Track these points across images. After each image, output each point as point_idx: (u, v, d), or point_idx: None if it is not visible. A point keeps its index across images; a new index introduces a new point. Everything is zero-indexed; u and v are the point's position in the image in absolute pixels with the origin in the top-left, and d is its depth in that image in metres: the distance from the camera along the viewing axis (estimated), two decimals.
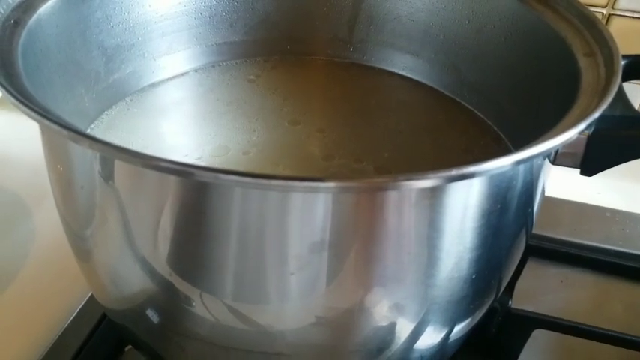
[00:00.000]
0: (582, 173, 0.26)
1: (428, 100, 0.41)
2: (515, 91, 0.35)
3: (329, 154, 0.37)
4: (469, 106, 0.39)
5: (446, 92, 0.41)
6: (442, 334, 0.29)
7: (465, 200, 0.24)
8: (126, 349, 0.37)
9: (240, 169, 0.34)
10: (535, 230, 0.45)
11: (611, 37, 0.27)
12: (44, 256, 0.44)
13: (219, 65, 0.43)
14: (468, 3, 0.37)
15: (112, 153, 0.19)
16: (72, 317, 0.38)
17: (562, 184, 0.44)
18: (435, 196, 0.23)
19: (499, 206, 0.25)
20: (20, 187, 0.50)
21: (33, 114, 0.20)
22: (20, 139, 0.55)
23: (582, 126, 0.22)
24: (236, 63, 0.43)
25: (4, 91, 0.21)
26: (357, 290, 0.23)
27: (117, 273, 0.27)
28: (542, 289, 0.44)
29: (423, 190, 0.22)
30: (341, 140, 0.38)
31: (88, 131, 0.35)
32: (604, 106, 0.23)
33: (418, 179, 0.20)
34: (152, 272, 0.25)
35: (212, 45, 0.42)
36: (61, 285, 0.41)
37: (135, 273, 0.25)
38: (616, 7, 0.50)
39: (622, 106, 0.26)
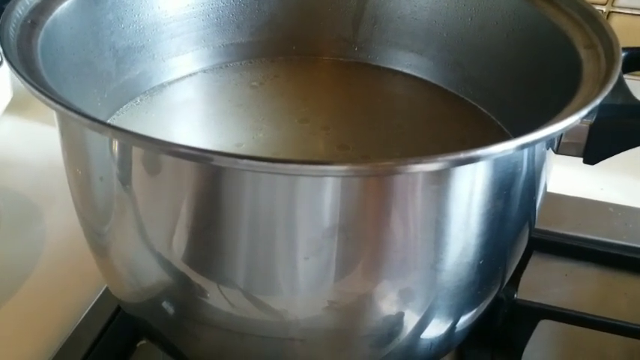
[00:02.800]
0: (585, 161, 0.27)
1: (432, 98, 0.42)
2: (518, 86, 0.36)
3: (336, 151, 0.38)
4: (473, 102, 0.40)
5: (450, 89, 0.42)
6: (450, 322, 0.30)
7: (471, 185, 0.25)
8: (138, 344, 0.38)
9: None
10: (539, 225, 0.46)
11: (611, 29, 0.28)
12: (56, 255, 0.45)
13: (227, 66, 0.43)
14: (471, 1, 0.38)
15: (133, 140, 0.20)
16: (85, 313, 0.38)
17: (565, 180, 0.44)
18: (441, 180, 0.23)
19: (504, 192, 0.26)
20: (30, 190, 0.51)
21: (58, 106, 0.21)
22: (28, 142, 0.56)
23: (584, 112, 0.23)
24: (243, 64, 0.44)
25: (28, 85, 0.22)
26: (367, 274, 0.24)
27: (134, 266, 0.27)
28: (546, 283, 0.44)
29: (430, 174, 0.23)
30: (347, 137, 0.39)
31: None
32: (605, 94, 0.24)
33: (426, 162, 0.21)
34: (169, 264, 0.25)
35: (219, 46, 0.43)
36: (73, 282, 0.42)
37: (152, 265, 0.26)
38: (615, 4, 0.51)
39: (623, 96, 0.26)
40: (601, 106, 0.25)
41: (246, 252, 0.23)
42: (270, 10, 0.43)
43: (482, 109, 0.40)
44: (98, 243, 0.28)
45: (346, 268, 0.23)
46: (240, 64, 0.44)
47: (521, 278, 0.42)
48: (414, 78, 0.43)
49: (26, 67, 0.24)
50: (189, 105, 0.41)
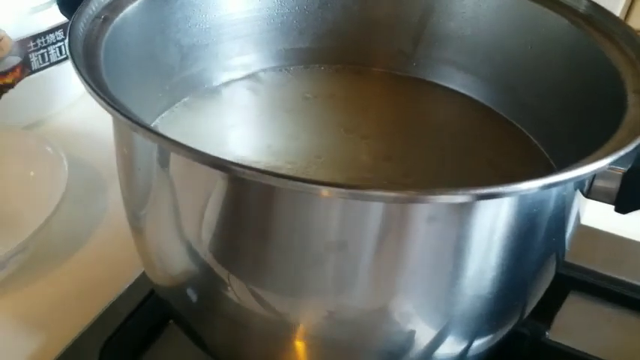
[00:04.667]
0: (617, 210, 0.26)
1: (482, 119, 0.42)
2: (569, 118, 0.35)
3: (379, 163, 0.39)
4: (522, 129, 0.39)
5: (501, 113, 0.41)
6: (460, 349, 0.30)
7: (491, 219, 0.25)
8: (170, 321, 0.40)
9: (286, 169, 0.37)
10: (584, 264, 0.44)
11: None
12: (112, 229, 0.48)
13: (286, 69, 0.45)
14: (531, 29, 0.37)
15: (164, 144, 0.22)
16: (127, 287, 0.41)
17: (622, 220, 0.42)
18: (462, 212, 0.24)
19: (526, 228, 0.26)
20: (100, 163, 0.54)
21: (102, 102, 0.23)
22: (107, 117, 0.61)
23: (609, 159, 0.22)
24: (300, 68, 0.46)
25: (81, 79, 0.24)
26: (374, 294, 0.25)
27: (163, 252, 0.30)
28: (585, 326, 0.42)
29: (452, 206, 0.23)
30: (391, 150, 0.40)
31: (158, 120, 0.39)
32: (634, 145, 0.23)
33: (449, 194, 0.21)
34: (192, 255, 0.27)
35: (280, 50, 0.45)
36: (122, 256, 0.45)
37: (178, 254, 0.28)
38: None
39: None
40: (638, 155, 0.25)
41: (260, 255, 0.25)
42: (334, 18, 0.44)
43: (530, 136, 0.39)
44: (135, 224, 0.31)
45: (349, 282, 0.24)
46: (299, 68, 0.46)
47: (557, 317, 0.41)
48: (467, 98, 0.43)
49: (87, 63, 0.26)
50: (245, 105, 0.43)
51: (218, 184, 0.23)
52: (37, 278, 0.43)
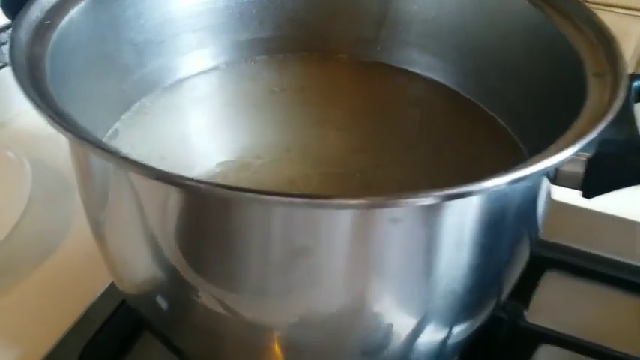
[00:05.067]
0: (583, 195, 0.26)
1: (450, 103, 0.41)
2: (533, 100, 0.35)
3: (350, 156, 0.38)
4: (488, 110, 0.39)
5: (468, 96, 0.41)
6: (439, 339, 0.30)
7: (459, 216, 0.24)
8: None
9: (256, 167, 0.36)
10: (558, 240, 0.45)
11: (622, 59, 0.26)
12: (82, 232, 0.47)
13: (247, 60, 0.44)
14: (493, 10, 0.37)
15: (112, 161, 0.21)
16: (100, 293, 0.41)
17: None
18: (429, 212, 0.23)
19: (495, 221, 0.26)
20: (64, 167, 0.53)
21: (47, 117, 0.22)
22: None
23: (574, 149, 0.22)
24: (264, 59, 0.44)
25: (24, 92, 0.23)
26: (344, 296, 0.24)
27: (127, 260, 0.29)
28: (561, 303, 0.43)
29: (418, 207, 0.23)
30: (362, 141, 0.39)
31: (118, 123, 0.38)
32: (598, 130, 0.23)
33: (420, 197, 0.21)
34: (157, 264, 0.27)
35: (241, 41, 0.43)
36: (94, 261, 0.44)
37: (142, 263, 0.28)
38: None
39: (628, 131, 0.25)
40: (602, 140, 0.24)
41: (223, 263, 0.24)
42: (294, 7, 0.43)
43: (496, 117, 0.39)
44: (96, 231, 0.30)
45: (317, 287, 0.24)
46: (262, 58, 0.44)
47: (535, 298, 0.42)
48: (434, 82, 0.42)
49: (31, 75, 0.25)
50: (207, 99, 0.42)
51: (173, 197, 0.23)
52: (6, 290, 0.42)
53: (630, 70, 0.51)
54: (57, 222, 0.48)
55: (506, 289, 0.32)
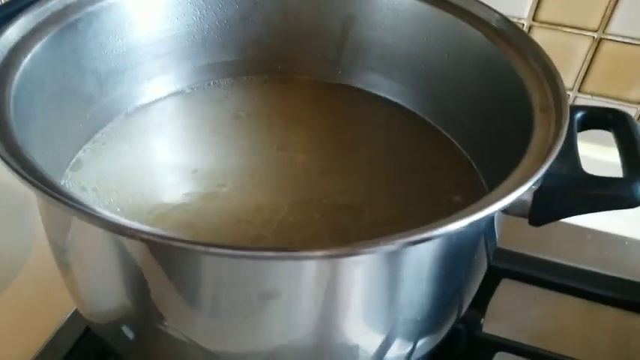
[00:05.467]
0: (530, 223, 0.28)
1: (408, 125, 0.43)
2: (486, 124, 0.37)
3: (316, 180, 0.39)
4: (445, 133, 0.41)
5: (426, 118, 0.42)
6: (404, 355, 0.31)
7: (419, 255, 0.26)
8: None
9: (223, 195, 0.37)
10: (512, 248, 0.47)
11: (566, 98, 0.28)
12: (43, 259, 0.46)
13: (210, 84, 0.45)
14: (447, 39, 0.38)
15: (70, 212, 0.21)
16: (64, 320, 0.40)
17: None
18: (390, 255, 0.24)
19: (453, 254, 0.27)
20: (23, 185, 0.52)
21: (14, 173, 0.22)
22: None
23: (519, 192, 0.24)
24: (227, 81, 0.45)
25: None
26: (313, 332, 0.26)
27: (91, 290, 0.29)
28: (515, 309, 0.45)
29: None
30: (324, 166, 0.40)
31: (80, 152, 0.38)
32: (544, 169, 0.25)
33: (383, 244, 0.22)
34: (121, 298, 0.27)
35: (204, 65, 0.44)
36: (56, 287, 0.44)
37: (107, 297, 0.28)
38: (607, 31, 0.51)
39: (570, 165, 0.27)
40: (547, 174, 0.26)
41: (187, 307, 0.25)
42: (256, 30, 0.44)
43: (452, 140, 0.40)
44: (59, 257, 0.30)
45: (287, 326, 0.25)
46: (225, 81, 0.45)
47: (491, 305, 0.44)
48: (394, 104, 0.44)
49: None
50: (170, 124, 0.42)
51: (135, 248, 0.23)
52: None
53: (577, 85, 0.54)
54: (17, 245, 0.47)
55: (466, 305, 0.34)
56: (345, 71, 0.45)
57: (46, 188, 0.22)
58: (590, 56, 0.52)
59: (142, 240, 0.20)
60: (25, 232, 0.48)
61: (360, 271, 0.24)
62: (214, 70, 0.44)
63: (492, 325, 0.42)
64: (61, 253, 0.29)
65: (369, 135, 0.43)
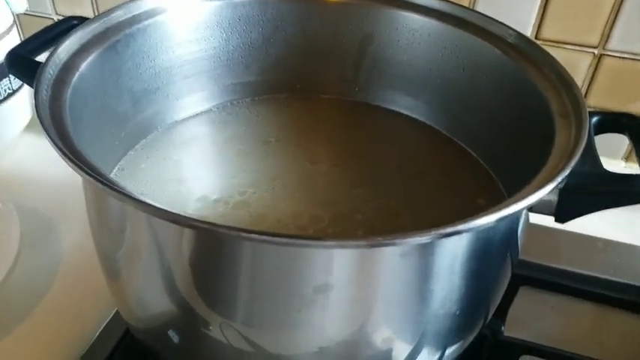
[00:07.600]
0: (557, 220, 0.30)
1: (427, 139, 0.45)
2: (503, 136, 0.39)
3: (348, 191, 0.40)
4: (464, 146, 0.43)
5: (443, 131, 0.44)
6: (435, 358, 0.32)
7: (453, 249, 0.27)
8: None
9: (254, 206, 0.38)
10: (529, 258, 0.48)
11: (584, 103, 0.30)
12: (72, 273, 0.47)
13: (234, 103, 0.47)
14: (462, 54, 0.41)
15: (144, 210, 0.23)
16: (99, 331, 0.41)
17: None
18: (427, 247, 0.26)
19: (484, 251, 0.29)
20: (47, 207, 0.53)
21: (82, 173, 0.24)
22: (46, 160, 0.58)
23: (548, 188, 0.25)
24: (249, 101, 0.47)
25: (57, 149, 0.25)
26: (355, 327, 0.27)
27: (143, 295, 0.30)
28: (533, 316, 0.46)
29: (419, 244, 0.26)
30: (356, 177, 0.41)
31: (116, 169, 0.39)
32: (569, 168, 0.26)
33: (418, 235, 0.23)
34: (176, 302, 0.28)
35: (228, 85, 0.46)
36: (88, 300, 0.45)
37: (158, 299, 0.29)
38: (607, 47, 0.53)
39: (591, 163, 0.29)
40: (571, 173, 0.28)
41: (243, 301, 0.26)
42: (277, 52, 0.46)
43: (470, 151, 0.42)
44: (109, 266, 0.31)
45: (337, 319, 0.26)
46: (248, 100, 0.47)
47: (510, 312, 0.45)
48: (411, 119, 0.46)
49: (56, 128, 0.27)
50: (199, 141, 0.44)
51: (191, 239, 0.25)
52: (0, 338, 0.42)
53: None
54: (46, 266, 0.48)
55: (493, 308, 0.36)
56: (362, 89, 0.47)
57: (118, 188, 0.23)
58: (592, 71, 0.55)
59: (206, 231, 0.22)
60: (50, 256, 0.49)
61: (400, 261, 0.25)
62: (237, 90, 0.47)
63: (512, 331, 0.44)
64: (111, 262, 0.31)
65: (391, 149, 0.45)
